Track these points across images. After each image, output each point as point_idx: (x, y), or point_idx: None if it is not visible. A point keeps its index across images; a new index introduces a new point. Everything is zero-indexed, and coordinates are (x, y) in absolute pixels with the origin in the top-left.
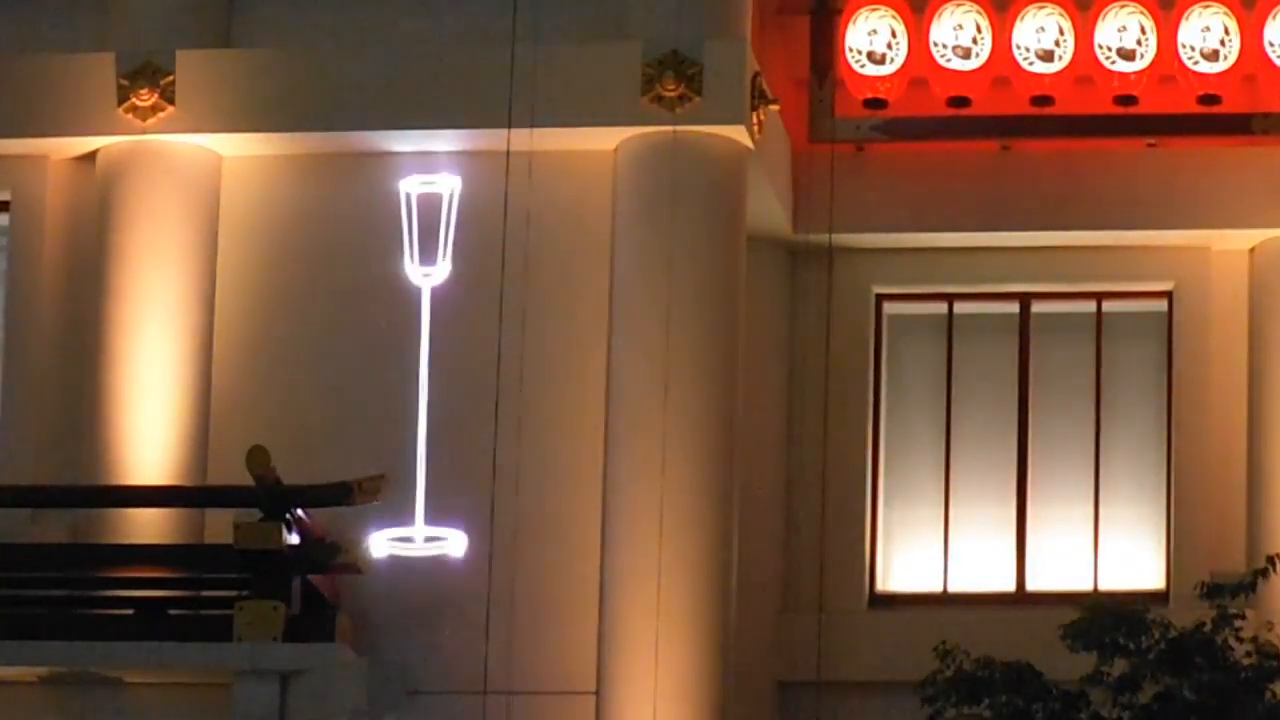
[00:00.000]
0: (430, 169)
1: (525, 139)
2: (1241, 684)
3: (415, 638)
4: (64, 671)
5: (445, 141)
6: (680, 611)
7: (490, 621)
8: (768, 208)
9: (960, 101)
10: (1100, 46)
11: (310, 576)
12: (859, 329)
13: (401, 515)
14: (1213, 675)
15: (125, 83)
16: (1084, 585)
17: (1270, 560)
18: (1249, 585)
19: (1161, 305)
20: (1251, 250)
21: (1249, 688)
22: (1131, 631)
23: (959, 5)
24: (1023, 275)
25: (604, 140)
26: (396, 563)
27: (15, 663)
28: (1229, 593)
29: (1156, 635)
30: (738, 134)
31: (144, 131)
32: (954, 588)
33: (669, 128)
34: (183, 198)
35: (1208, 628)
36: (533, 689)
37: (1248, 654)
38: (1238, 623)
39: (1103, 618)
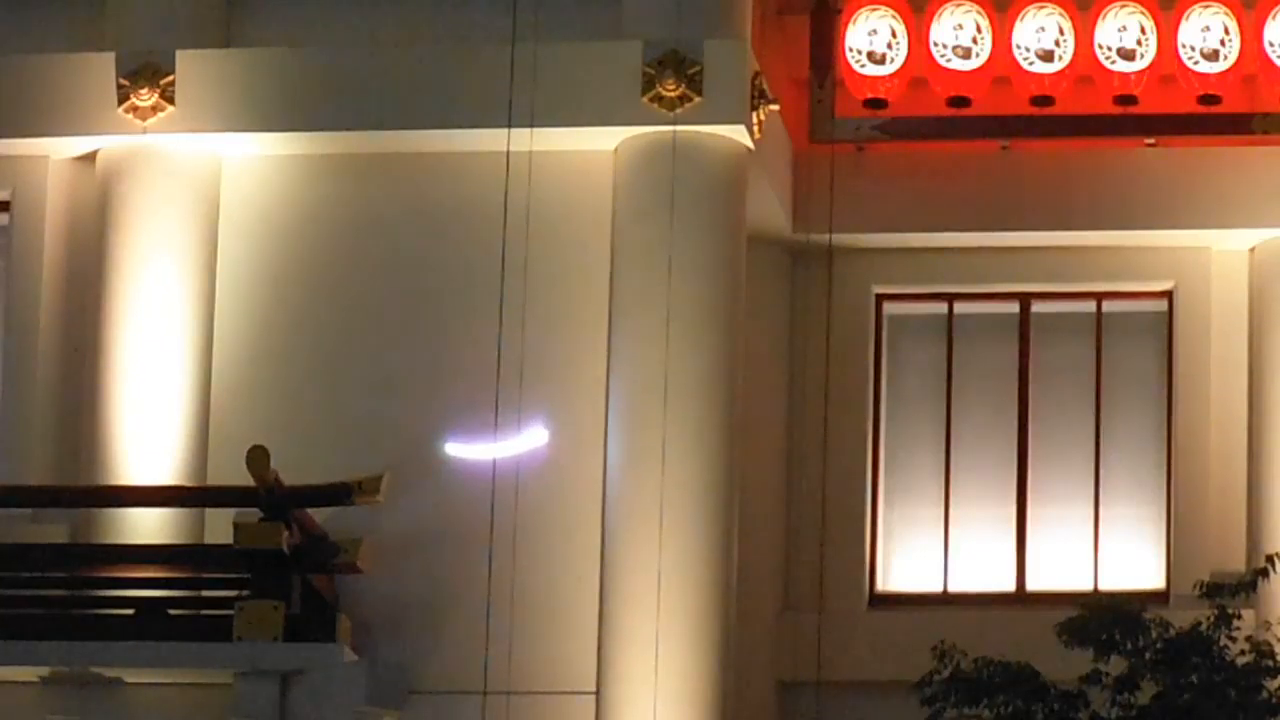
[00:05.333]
0: (430, 169)
1: (525, 139)
2: (1237, 684)
3: (415, 638)
4: (64, 671)
5: (445, 141)
6: (680, 611)
7: (490, 621)
8: (768, 208)
9: (960, 101)
10: (1100, 46)
11: (310, 576)
12: (859, 329)
13: (402, 514)
14: (1209, 675)
15: (125, 83)
16: (1084, 585)
17: (1270, 560)
18: (1248, 585)
19: (1161, 305)
20: (1251, 250)
21: (1245, 687)
22: (1128, 630)
23: (959, 5)
24: (1023, 275)
25: (604, 140)
26: (396, 563)
27: (15, 663)
28: (1228, 592)
29: (1154, 635)
30: (738, 134)
31: (144, 131)
32: (954, 588)
33: (669, 128)
34: (183, 198)
35: (1204, 628)
36: (533, 689)
37: (1241, 653)
38: (1235, 623)
39: (1099, 616)
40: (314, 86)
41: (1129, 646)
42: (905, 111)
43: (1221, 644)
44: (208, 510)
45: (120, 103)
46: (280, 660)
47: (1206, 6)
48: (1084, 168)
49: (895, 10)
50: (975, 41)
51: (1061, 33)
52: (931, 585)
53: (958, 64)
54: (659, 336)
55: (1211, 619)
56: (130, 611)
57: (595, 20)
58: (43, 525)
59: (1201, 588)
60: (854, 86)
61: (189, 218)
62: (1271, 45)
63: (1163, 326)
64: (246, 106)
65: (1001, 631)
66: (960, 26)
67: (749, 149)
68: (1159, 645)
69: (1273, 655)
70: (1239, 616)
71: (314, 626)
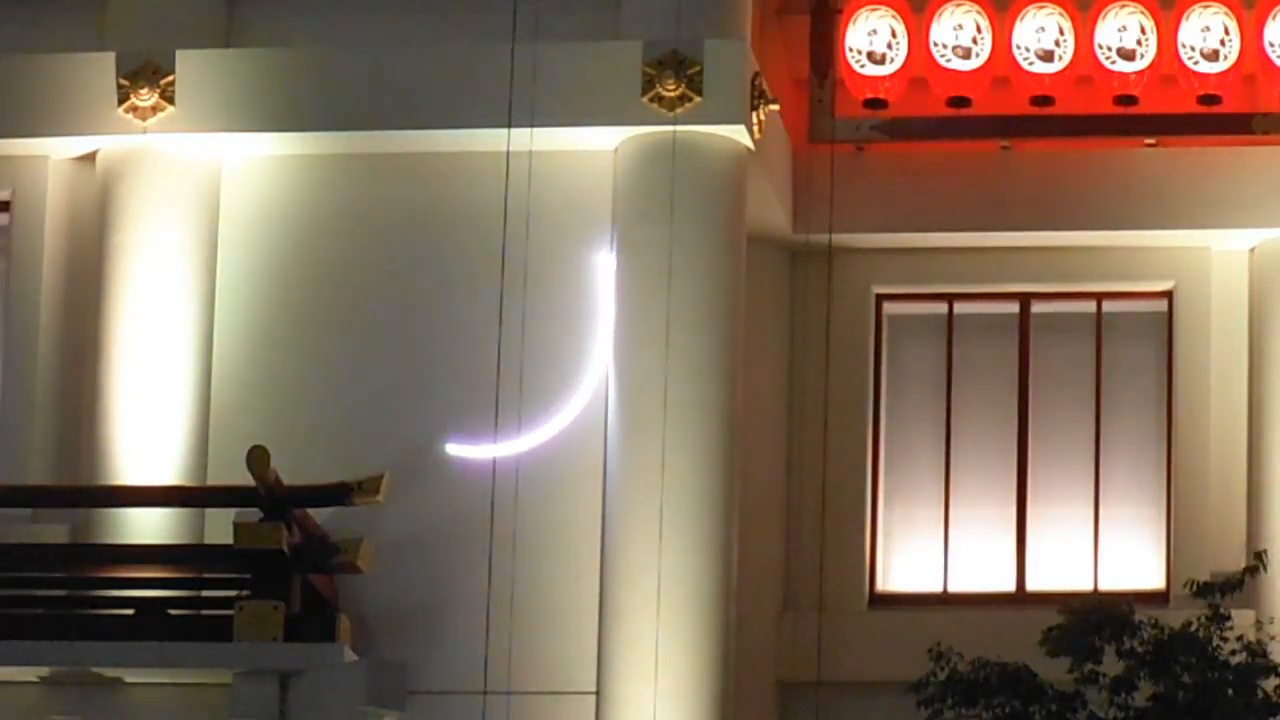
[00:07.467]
0: (430, 169)
1: (525, 139)
2: (1230, 682)
3: (415, 638)
4: (64, 671)
5: (445, 142)
6: (680, 611)
7: (490, 621)
8: (768, 208)
9: (960, 101)
10: (1100, 46)
11: (310, 576)
12: (859, 329)
13: (402, 514)
14: (1203, 675)
15: (125, 83)
16: (1084, 585)
17: (1258, 557)
18: (1237, 583)
19: (1161, 305)
20: (1251, 250)
21: (1238, 686)
22: (1116, 633)
23: (959, 5)
24: (1023, 275)
25: (604, 140)
26: (396, 563)
27: (15, 663)
28: (1220, 591)
29: (1147, 636)
30: (738, 134)
31: (144, 131)
32: (954, 588)
33: (669, 128)
34: (183, 198)
35: (1194, 628)
36: (533, 689)
37: (1233, 653)
38: (1229, 622)
39: (1082, 622)
40: (314, 86)
41: (1116, 650)
42: (905, 111)
43: (1215, 644)
44: (208, 510)
45: (120, 103)
46: (280, 660)
47: (1206, 6)
48: (1084, 168)
49: (895, 10)
50: (975, 41)
51: (1061, 33)
52: (931, 585)
53: (958, 64)
54: (659, 336)
55: (1203, 619)
56: (130, 611)
57: (595, 20)
58: (43, 525)
59: (1194, 586)
60: (854, 86)
61: (189, 218)
62: (1271, 45)
63: (1163, 326)
64: (246, 106)
65: (1001, 632)
66: (960, 26)
67: (749, 149)
68: (1151, 646)
69: (1265, 655)
70: (1229, 616)
71: (314, 626)
